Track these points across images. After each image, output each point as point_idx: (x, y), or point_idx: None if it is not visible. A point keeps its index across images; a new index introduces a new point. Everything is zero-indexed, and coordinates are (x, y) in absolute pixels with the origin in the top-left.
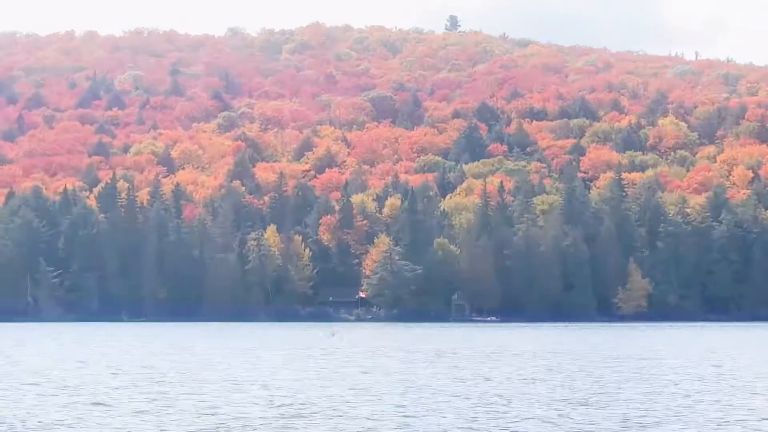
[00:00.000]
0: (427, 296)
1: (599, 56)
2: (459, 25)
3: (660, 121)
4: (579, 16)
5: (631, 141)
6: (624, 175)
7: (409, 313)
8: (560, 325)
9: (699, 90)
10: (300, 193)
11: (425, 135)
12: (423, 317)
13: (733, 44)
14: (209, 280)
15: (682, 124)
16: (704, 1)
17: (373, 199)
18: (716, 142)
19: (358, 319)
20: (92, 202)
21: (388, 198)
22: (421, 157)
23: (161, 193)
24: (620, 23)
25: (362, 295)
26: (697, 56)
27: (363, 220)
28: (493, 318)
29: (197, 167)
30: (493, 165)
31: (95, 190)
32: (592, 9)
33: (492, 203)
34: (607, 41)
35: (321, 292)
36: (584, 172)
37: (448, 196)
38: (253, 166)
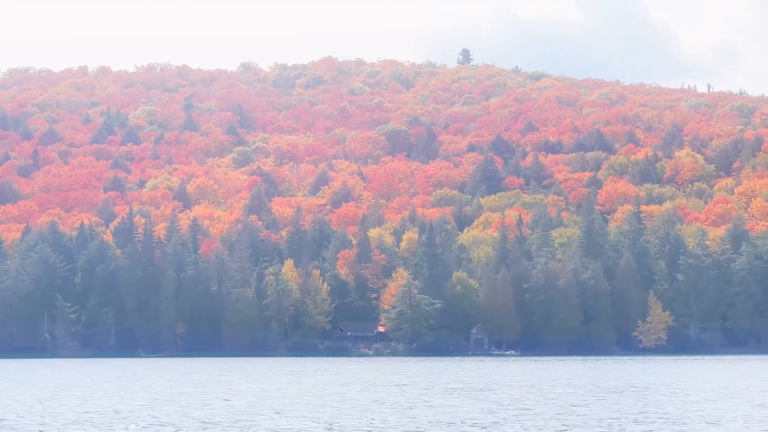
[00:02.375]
0: (446, 330)
1: (612, 89)
2: (471, 59)
3: (676, 154)
4: (589, 49)
5: (647, 173)
6: (641, 207)
7: (427, 347)
8: (582, 358)
9: (714, 122)
10: (317, 228)
11: (441, 169)
12: (442, 351)
13: (745, 77)
14: (227, 315)
15: (699, 156)
16: (714, 33)
17: (391, 233)
18: (733, 174)
19: (377, 354)
20: (109, 238)
21: (406, 232)
22: (438, 191)
23: (178, 228)
24: (631, 56)
25: (381, 329)
26: (709, 88)
27: (381, 255)
28: (513, 351)
29: (213, 202)
30: (510, 198)
31: (111, 226)
32: (603, 42)
33: (510, 236)
34: (618, 74)
35: (339, 326)
36: (601, 205)
37: (465, 230)
38: (269, 201)
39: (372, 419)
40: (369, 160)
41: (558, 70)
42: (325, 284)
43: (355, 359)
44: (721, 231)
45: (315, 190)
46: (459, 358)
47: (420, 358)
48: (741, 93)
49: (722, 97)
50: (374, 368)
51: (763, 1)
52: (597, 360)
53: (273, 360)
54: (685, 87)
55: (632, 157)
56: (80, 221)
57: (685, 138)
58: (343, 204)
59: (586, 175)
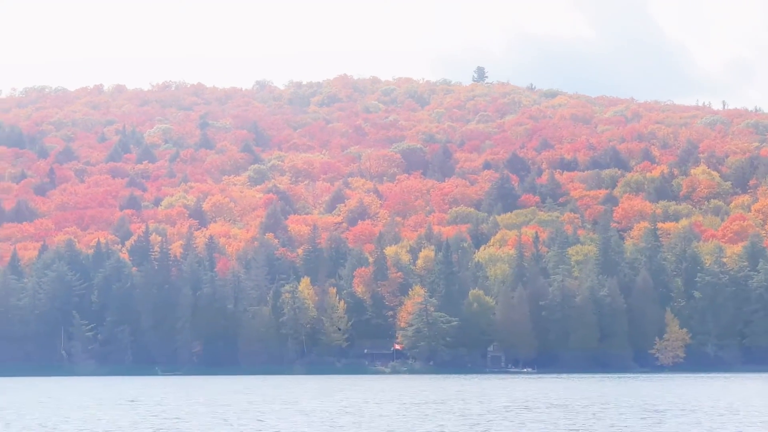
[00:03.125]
0: (463, 348)
1: (627, 106)
2: (486, 77)
3: (692, 171)
4: (603, 67)
5: (663, 191)
6: (658, 224)
7: (444, 365)
8: (605, 376)
9: (729, 139)
10: (333, 246)
11: (457, 186)
12: (459, 369)
13: (760, 93)
14: (243, 333)
15: (715, 173)
16: (728, 50)
17: (407, 251)
18: (749, 191)
19: (394, 371)
20: (125, 256)
21: (422, 250)
22: (453, 209)
23: (194, 246)
24: (645, 73)
25: (397, 346)
26: (724, 105)
27: (397, 272)
28: (529, 369)
29: (229, 220)
30: (526, 216)
31: (128, 244)
32: (617, 60)
33: (526, 254)
34: (632, 91)
35: (356, 344)
36: (617, 222)
37: (481, 248)
38: (285, 219)
39: None
40: (385, 178)
41: (572, 87)
42: (342, 302)
43: (373, 377)
44: (738, 248)
45: (331, 208)
46: (477, 375)
47: (439, 376)
48: (756, 110)
49: (737, 114)
50: (432, 387)
51: None
52: (626, 377)
53: (301, 377)
54: (700, 104)
55: (648, 174)
56: (96, 239)
57: (701, 155)
58: (359, 222)
59: (602, 193)
